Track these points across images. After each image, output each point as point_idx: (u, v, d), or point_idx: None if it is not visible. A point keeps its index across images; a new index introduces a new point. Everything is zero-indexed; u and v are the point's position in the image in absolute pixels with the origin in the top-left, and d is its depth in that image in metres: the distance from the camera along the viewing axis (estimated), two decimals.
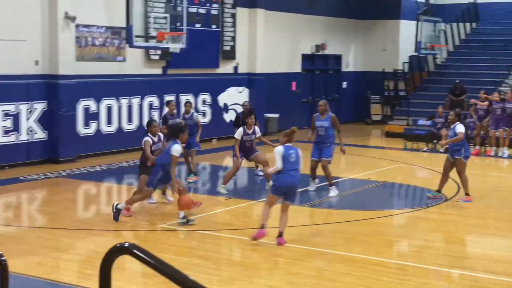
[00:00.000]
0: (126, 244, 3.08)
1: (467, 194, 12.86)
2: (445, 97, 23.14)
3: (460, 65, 26.32)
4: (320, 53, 26.61)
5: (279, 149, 9.55)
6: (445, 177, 12.99)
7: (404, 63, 27.20)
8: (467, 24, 28.47)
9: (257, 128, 13.46)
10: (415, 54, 25.89)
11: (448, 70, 26.49)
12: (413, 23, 25.57)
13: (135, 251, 3.00)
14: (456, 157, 12.76)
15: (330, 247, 9.68)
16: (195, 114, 15.53)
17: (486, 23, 29.01)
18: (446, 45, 27.24)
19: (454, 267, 9.00)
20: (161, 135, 11.87)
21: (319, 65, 27.30)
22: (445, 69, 26.73)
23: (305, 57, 25.99)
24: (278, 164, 9.42)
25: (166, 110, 15.37)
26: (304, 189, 13.98)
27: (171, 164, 10.46)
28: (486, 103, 19.88)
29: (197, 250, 9.55)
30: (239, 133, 13.24)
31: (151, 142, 11.37)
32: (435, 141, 20.20)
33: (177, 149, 10.52)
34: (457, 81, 23.34)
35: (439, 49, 26.63)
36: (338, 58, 28.12)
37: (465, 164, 12.82)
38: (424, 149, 20.28)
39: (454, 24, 27.63)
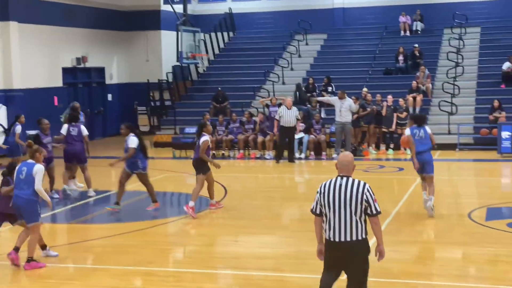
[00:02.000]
0: None
1: (154, 201, 12.85)
2: (209, 104, 23.76)
3: (221, 73, 27.22)
4: (82, 66, 25.93)
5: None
6: (122, 188, 12.81)
7: (167, 73, 27.46)
8: (225, 33, 29.53)
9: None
10: (178, 63, 26.26)
11: (210, 78, 27.25)
12: (174, 33, 25.91)
13: None
14: (134, 171, 12.64)
15: (101, 262, 9.38)
16: None
17: (243, 32, 30.35)
18: (207, 54, 28.00)
19: (227, 268, 9.20)
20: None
21: (82, 78, 26.58)
22: (207, 77, 27.47)
23: (66, 71, 25.13)
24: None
25: None
26: (75, 204, 13.56)
27: None
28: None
29: None
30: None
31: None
32: None
33: None
34: (219, 88, 24.09)
35: (200, 58, 27.30)
36: (101, 71, 27.60)
37: (147, 175, 12.76)
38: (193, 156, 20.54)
39: (213, 34, 28.50)
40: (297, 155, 19.75)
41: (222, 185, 15.24)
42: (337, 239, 6.16)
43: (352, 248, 6.15)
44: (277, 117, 19.36)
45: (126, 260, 9.43)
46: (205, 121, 13.30)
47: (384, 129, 20.43)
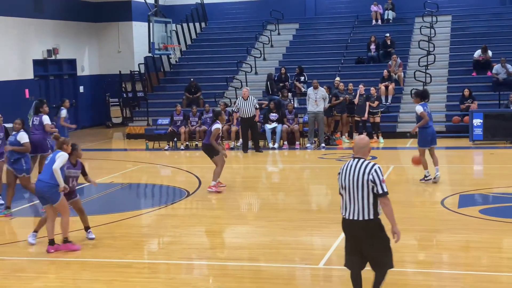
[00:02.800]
0: None
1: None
2: (182, 95, 23.66)
3: (194, 63, 27.10)
4: (53, 58, 25.64)
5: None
6: (12, 190, 11.90)
7: (140, 64, 27.27)
8: (197, 24, 29.38)
9: None
10: (150, 55, 26.10)
11: (182, 69, 27.12)
12: (145, 24, 25.75)
13: None
14: (19, 175, 11.81)
15: (75, 255, 9.29)
16: None
17: (215, 22, 30.23)
18: (179, 45, 27.85)
19: (202, 258, 9.18)
20: None
21: (53, 71, 26.29)
22: (179, 68, 27.33)
23: (36, 63, 24.83)
24: None
25: None
26: None
27: None
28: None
29: None
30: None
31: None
32: (175, 139, 20.57)
33: None
34: (192, 79, 23.99)
35: (172, 49, 27.16)
36: (72, 63, 27.31)
37: (29, 179, 11.93)
38: (166, 147, 20.52)
39: (185, 24, 28.34)
40: (270, 145, 19.80)
41: (196, 176, 15.22)
42: (351, 217, 6.42)
43: (362, 228, 6.41)
44: (234, 109, 19.38)
45: (100, 252, 9.38)
46: (221, 110, 14.42)
47: (356, 118, 20.52)
